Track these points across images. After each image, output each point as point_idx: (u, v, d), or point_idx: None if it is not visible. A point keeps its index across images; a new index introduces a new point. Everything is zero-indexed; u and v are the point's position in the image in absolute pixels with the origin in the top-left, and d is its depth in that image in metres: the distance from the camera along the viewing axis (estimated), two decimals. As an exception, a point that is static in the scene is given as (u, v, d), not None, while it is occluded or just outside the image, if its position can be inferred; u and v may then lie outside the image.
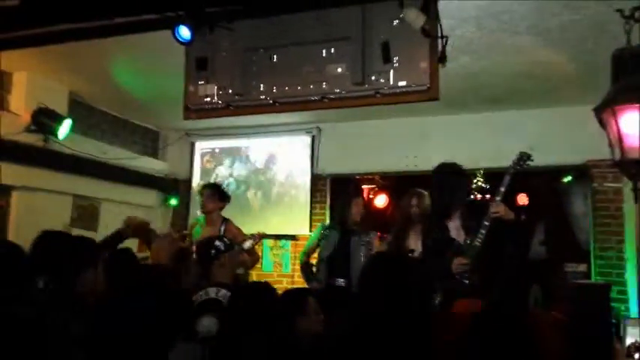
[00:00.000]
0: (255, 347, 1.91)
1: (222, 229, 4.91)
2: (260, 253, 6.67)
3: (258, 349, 1.90)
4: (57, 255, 2.41)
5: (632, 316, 4.46)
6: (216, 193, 5.09)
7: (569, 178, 6.05)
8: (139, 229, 3.45)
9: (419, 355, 2.25)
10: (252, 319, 1.99)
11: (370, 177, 7.16)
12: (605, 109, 2.55)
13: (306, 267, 5.02)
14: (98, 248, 2.79)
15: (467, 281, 3.46)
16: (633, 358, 1.38)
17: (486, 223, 3.49)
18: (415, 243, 4.54)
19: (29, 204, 5.08)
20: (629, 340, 1.37)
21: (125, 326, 1.72)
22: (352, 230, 4.81)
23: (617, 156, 2.54)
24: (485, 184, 4.26)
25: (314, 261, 5.07)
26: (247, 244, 4.43)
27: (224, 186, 5.61)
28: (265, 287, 2.46)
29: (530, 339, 2.51)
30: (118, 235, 3.39)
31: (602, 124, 2.62)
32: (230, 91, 3.24)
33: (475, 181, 3.95)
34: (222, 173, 6.86)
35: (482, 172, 4.02)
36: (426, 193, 4.75)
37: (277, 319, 2.01)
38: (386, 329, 2.36)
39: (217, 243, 3.44)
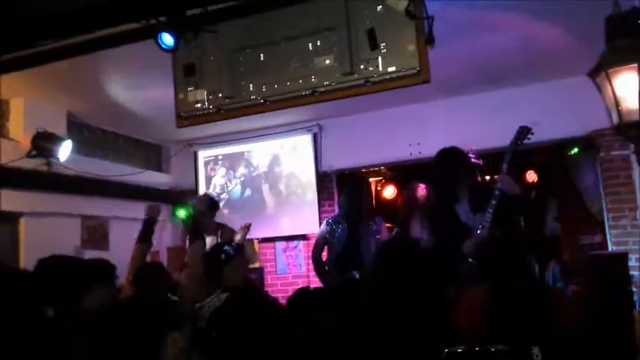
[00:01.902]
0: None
1: (219, 233, 4.97)
2: (272, 256, 6.68)
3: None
4: (59, 282, 2.43)
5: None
6: (208, 206, 5.18)
7: (576, 150, 5.96)
8: (153, 211, 3.89)
9: (433, 337, 2.23)
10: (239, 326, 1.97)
11: (376, 169, 7.12)
12: (599, 73, 2.50)
13: (319, 266, 4.98)
14: (108, 266, 2.83)
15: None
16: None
17: (493, 202, 3.45)
18: (420, 232, 4.52)
19: (38, 229, 5.10)
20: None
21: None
22: (359, 221, 4.76)
23: (615, 120, 2.49)
24: (483, 162, 4.23)
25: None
26: (238, 238, 4.64)
27: (211, 195, 5.82)
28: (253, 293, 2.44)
29: (547, 315, 2.47)
30: (148, 223, 3.78)
31: (598, 88, 2.57)
32: (220, 94, 3.22)
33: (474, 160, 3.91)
34: (227, 179, 6.86)
35: (477, 151, 3.99)
36: (417, 183, 4.77)
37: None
38: (400, 314, 2.34)
39: (226, 248, 3.44)
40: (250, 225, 4.96)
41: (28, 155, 4.97)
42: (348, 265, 4.68)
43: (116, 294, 3.04)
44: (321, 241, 4.92)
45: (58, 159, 5.09)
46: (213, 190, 6.83)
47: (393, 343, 2.23)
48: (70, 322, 2.24)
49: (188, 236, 5.13)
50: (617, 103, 2.43)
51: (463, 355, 1.97)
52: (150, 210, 3.87)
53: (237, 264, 3.40)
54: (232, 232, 5.01)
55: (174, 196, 6.90)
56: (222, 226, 5.15)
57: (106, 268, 2.89)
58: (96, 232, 5.85)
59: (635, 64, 2.43)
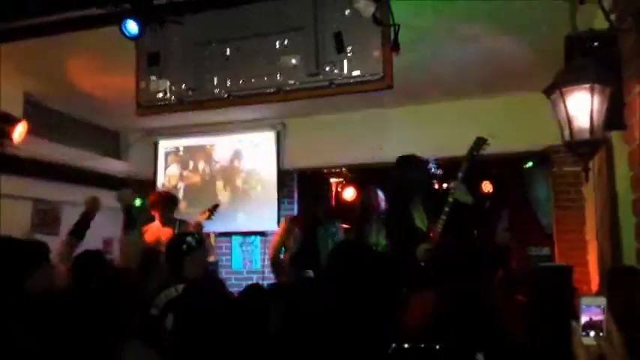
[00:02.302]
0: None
1: (178, 226, 4.99)
2: (229, 250, 6.66)
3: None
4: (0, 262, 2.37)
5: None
6: (169, 202, 5.20)
7: (531, 163, 6.14)
8: (93, 205, 3.74)
9: (384, 338, 2.27)
10: (200, 316, 1.97)
11: (337, 170, 7.17)
12: (554, 91, 2.59)
13: (275, 263, 5.03)
14: (46, 249, 2.75)
15: (430, 267, 3.50)
16: (589, 335, 1.40)
17: (446, 209, 3.53)
18: (376, 237, 4.65)
19: (-13, 210, 4.94)
20: (584, 318, 1.36)
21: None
22: (317, 222, 4.85)
23: (567, 137, 2.58)
24: (440, 170, 4.35)
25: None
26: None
27: (171, 189, 5.87)
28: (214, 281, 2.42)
29: (495, 321, 2.54)
30: (83, 217, 3.58)
31: (552, 106, 2.66)
32: (183, 86, 3.19)
33: (431, 168, 4.03)
34: (187, 172, 6.79)
35: (435, 159, 4.10)
36: (373, 188, 4.91)
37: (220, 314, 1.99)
38: (351, 312, 2.38)
39: (189, 239, 3.42)
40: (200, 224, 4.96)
41: (-20, 135, 4.81)
42: (305, 262, 4.77)
43: (53, 278, 2.96)
44: (279, 241, 4.98)
45: (11, 140, 4.94)
46: (168, 182, 6.75)
47: (342, 339, 2.27)
48: (11, 303, 2.20)
49: (122, 226, 5.04)
50: (569, 121, 2.52)
51: (409, 350, 2.02)
52: (89, 204, 3.71)
53: (198, 255, 3.38)
54: (193, 224, 5.02)
55: (132, 185, 6.78)
56: (182, 222, 5.12)
57: (43, 250, 2.80)
58: (47, 217, 5.70)
59: (588, 85, 2.53)
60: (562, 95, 2.54)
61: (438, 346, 2.15)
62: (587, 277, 5.14)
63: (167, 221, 5.09)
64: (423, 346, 2.16)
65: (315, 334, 2.26)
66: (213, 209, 5.02)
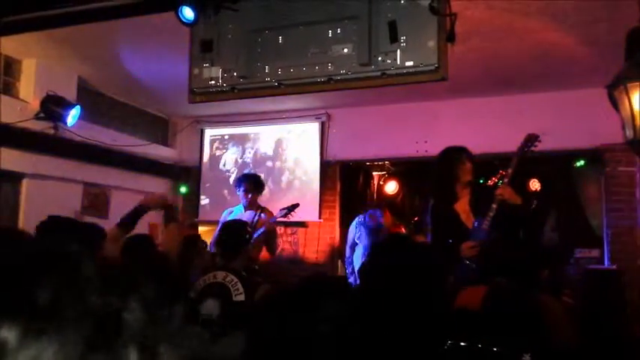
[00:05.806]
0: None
1: (259, 213, 5.06)
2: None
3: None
4: (61, 239, 2.42)
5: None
6: (258, 185, 5.27)
7: (582, 162, 5.96)
8: (156, 202, 3.45)
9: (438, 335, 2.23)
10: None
11: (380, 163, 7.11)
12: (618, 87, 2.49)
13: (347, 260, 5.35)
14: (100, 232, 2.80)
15: (474, 265, 3.42)
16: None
17: (494, 206, 3.44)
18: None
19: (40, 191, 5.11)
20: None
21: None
22: (372, 220, 5.13)
23: (630, 135, 2.48)
24: (493, 167, 4.25)
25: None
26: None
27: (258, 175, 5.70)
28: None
29: (539, 321, 2.48)
30: (136, 210, 3.38)
31: (614, 102, 2.56)
32: (235, 73, 3.19)
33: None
34: (232, 160, 6.85)
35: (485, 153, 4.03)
36: None
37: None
38: (390, 310, 2.34)
39: (249, 229, 3.42)
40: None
41: (36, 117, 4.97)
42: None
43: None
44: (352, 238, 5.27)
45: (65, 123, 5.09)
46: (223, 167, 6.84)
47: (393, 334, 2.24)
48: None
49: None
50: (633, 118, 2.42)
51: (465, 349, 1.98)
52: (150, 201, 3.45)
53: (250, 248, 3.40)
54: (271, 215, 5.13)
55: (178, 172, 6.91)
56: (263, 209, 5.17)
57: (97, 232, 2.84)
58: (97, 200, 5.86)
59: (655, 81, 2.42)
60: (626, 91, 2.44)
61: (495, 349, 2.10)
62: (637, 281, 4.97)
63: (251, 206, 5.15)
64: (480, 346, 2.11)
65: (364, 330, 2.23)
66: (292, 208, 5.05)
